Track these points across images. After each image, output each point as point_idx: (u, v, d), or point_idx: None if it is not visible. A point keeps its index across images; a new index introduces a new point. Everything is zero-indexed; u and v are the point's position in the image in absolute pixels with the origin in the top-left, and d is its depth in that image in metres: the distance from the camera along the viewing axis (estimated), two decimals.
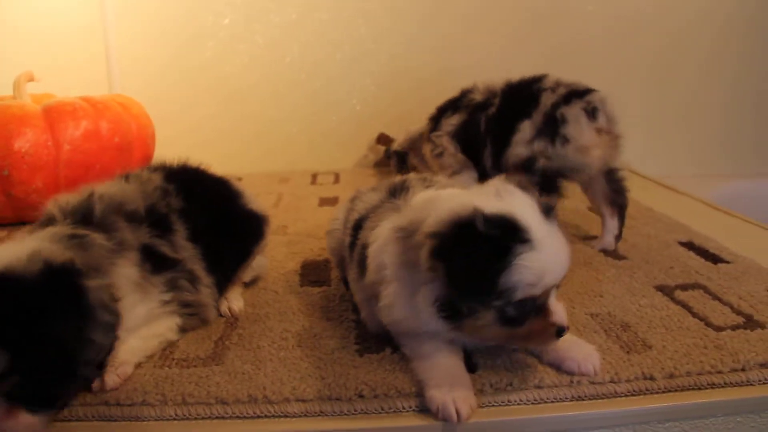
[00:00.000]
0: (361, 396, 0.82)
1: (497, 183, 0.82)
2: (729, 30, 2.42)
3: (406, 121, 2.01)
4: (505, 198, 0.79)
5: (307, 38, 2.29)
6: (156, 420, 0.81)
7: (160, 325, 0.95)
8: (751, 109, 2.51)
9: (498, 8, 2.32)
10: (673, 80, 2.44)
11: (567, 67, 2.36)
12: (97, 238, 0.88)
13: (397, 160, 2.07)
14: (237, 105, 2.31)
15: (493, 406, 0.82)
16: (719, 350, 0.91)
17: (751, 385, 0.86)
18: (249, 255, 1.15)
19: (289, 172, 2.31)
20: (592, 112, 1.37)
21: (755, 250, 1.32)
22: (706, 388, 0.85)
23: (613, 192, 1.40)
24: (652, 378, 0.85)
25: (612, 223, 1.39)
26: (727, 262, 1.27)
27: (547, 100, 1.42)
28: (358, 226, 0.99)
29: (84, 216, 0.92)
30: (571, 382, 0.84)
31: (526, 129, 1.41)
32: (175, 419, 0.81)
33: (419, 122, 1.84)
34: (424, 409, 0.80)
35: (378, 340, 0.96)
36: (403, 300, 0.83)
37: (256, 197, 1.23)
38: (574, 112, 1.37)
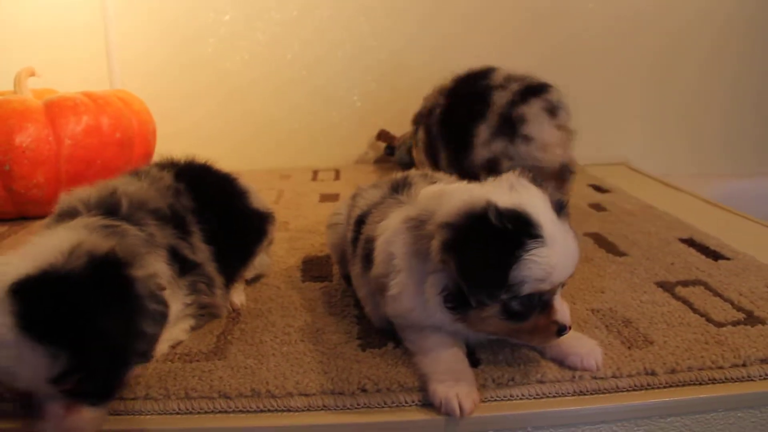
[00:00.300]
0: (363, 390, 0.83)
1: (511, 177, 0.82)
2: (729, 29, 2.42)
3: (407, 118, 2.00)
4: (519, 192, 0.79)
5: (308, 35, 2.29)
6: (159, 414, 0.81)
7: (176, 327, 0.94)
8: (751, 108, 2.51)
9: (498, 7, 2.32)
10: (673, 79, 2.45)
11: (567, 66, 2.38)
12: (130, 229, 0.87)
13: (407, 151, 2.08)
14: (238, 102, 2.31)
15: (496, 400, 0.82)
16: (720, 346, 0.91)
17: (752, 380, 0.86)
18: (253, 253, 1.14)
19: (289, 168, 2.31)
20: (552, 110, 1.37)
21: (755, 247, 1.32)
22: (708, 384, 0.85)
23: (555, 189, 1.41)
24: (653, 373, 0.85)
25: None
26: (728, 259, 1.27)
27: (499, 99, 1.41)
28: (360, 222, 0.99)
29: (110, 209, 0.90)
30: (574, 377, 0.84)
31: (481, 131, 1.40)
32: (178, 413, 0.81)
33: None
34: (427, 403, 0.80)
35: (380, 334, 0.96)
36: (411, 290, 0.83)
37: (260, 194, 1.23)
38: (534, 111, 1.37)
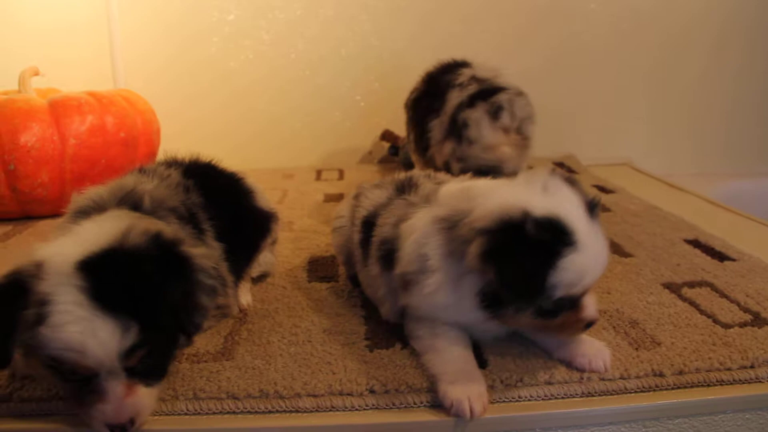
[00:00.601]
0: (372, 391, 0.83)
1: (544, 176, 0.82)
2: (731, 30, 2.42)
3: None
4: (554, 195, 0.79)
5: (312, 34, 2.29)
6: (167, 415, 0.81)
7: None
8: (753, 108, 2.51)
9: (500, 6, 2.32)
10: (675, 79, 2.45)
11: (569, 67, 2.38)
12: (159, 222, 0.87)
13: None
14: (241, 101, 2.31)
15: (504, 402, 0.82)
16: (728, 347, 0.91)
17: (760, 382, 0.86)
18: (258, 251, 1.14)
19: (293, 168, 2.31)
20: (495, 113, 1.37)
21: (760, 248, 1.33)
22: (715, 385, 0.85)
23: None
24: (661, 374, 0.86)
25: None
26: (733, 260, 1.27)
27: (453, 99, 1.42)
28: (368, 223, 0.99)
29: (134, 205, 0.90)
30: (582, 378, 0.85)
31: (435, 127, 1.41)
32: (186, 414, 0.81)
33: None
34: (436, 404, 0.81)
35: (388, 335, 0.96)
36: (447, 288, 0.84)
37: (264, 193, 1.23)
38: (475, 115, 1.38)
